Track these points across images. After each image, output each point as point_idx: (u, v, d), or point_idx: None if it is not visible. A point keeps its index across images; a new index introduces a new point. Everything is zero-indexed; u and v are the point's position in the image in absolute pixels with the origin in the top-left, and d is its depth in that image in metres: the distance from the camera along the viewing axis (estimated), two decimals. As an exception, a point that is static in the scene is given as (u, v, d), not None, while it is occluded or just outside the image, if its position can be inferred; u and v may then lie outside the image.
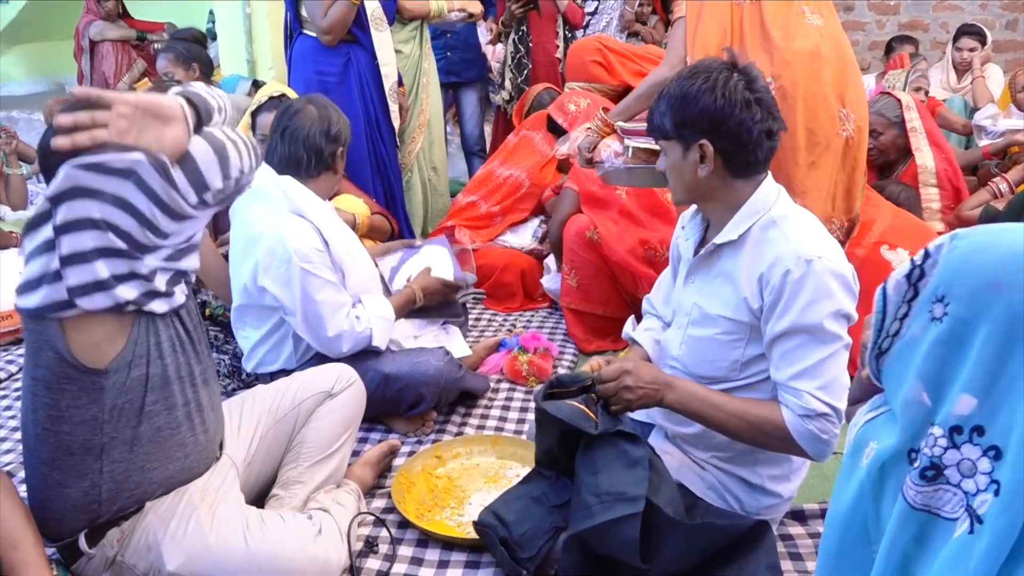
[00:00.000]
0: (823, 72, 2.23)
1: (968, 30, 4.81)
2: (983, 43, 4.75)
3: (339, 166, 2.20)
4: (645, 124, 1.62)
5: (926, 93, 4.07)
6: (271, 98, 2.79)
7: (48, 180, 1.27)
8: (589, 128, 2.55)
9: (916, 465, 0.79)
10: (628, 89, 3.25)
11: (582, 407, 1.47)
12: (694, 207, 1.65)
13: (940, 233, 2.62)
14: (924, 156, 3.14)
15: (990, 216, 2.79)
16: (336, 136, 2.14)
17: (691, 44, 2.24)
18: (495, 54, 4.83)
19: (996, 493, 0.72)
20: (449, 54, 4.41)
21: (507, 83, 4.66)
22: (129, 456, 1.39)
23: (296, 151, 2.11)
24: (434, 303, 2.42)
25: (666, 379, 1.52)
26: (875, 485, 0.84)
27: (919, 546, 0.79)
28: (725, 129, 1.45)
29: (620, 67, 3.47)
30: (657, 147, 1.61)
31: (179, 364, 1.43)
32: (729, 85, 1.45)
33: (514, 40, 4.59)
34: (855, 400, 1.21)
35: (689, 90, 1.46)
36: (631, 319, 1.90)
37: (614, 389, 1.47)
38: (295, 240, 2.01)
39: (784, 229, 1.47)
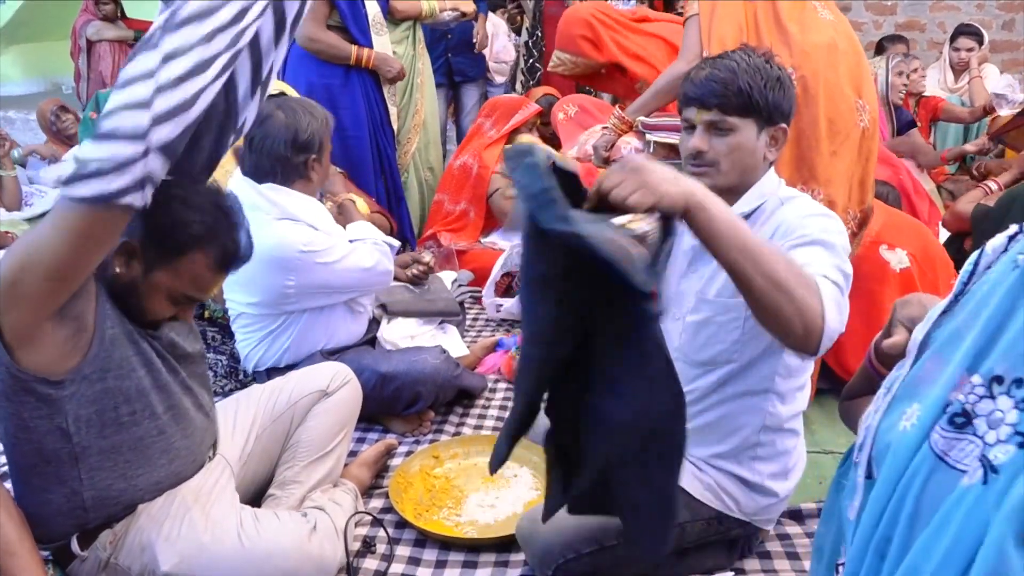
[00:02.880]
0: (840, 64, 2.28)
1: (965, 30, 4.82)
2: (980, 43, 4.76)
3: (313, 175, 2.11)
4: (667, 119, 1.61)
5: (908, 76, 4.08)
6: (269, 96, 2.77)
7: None
8: (606, 128, 2.54)
9: (948, 411, 0.78)
10: (615, 65, 3.19)
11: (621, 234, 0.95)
12: None
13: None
14: None
15: (980, 213, 2.89)
16: (305, 144, 2.04)
17: (707, 41, 2.28)
18: (493, 54, 4.83)
19: (1021, 446, 0.71)
20: (450, 55, 4.42)
21: (518, 86, 4.68)
22: (109, 464, 1.38)
23: (262, 162, 2.04)
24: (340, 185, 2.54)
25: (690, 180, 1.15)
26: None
27: (923, 491, 0.78)
28: (792, 113, 1.53)
29: (611, 43, 3.33)
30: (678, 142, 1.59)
31: (154, 375, 1.41)
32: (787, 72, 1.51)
33: (527, 44, 4.60)
34: (854, 394, 1.20)
35: (780, 76, 1.49)
36: None
37: (620, 178, 1.08)
38: (295, 241, 2.00)
39: (793, 205, 1.52)
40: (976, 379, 0.77)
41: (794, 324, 1.17)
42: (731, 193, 1.53)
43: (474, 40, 4.42)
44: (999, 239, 0.84)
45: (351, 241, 2.19)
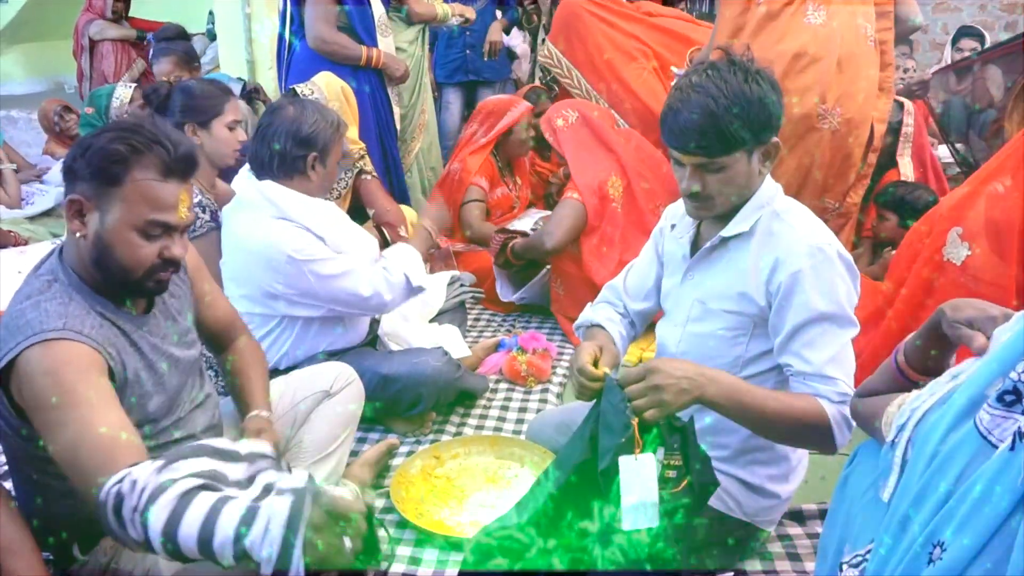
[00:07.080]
0: (807, 71, 2.43)
1: (968, 32, 4.85)
2: (983, 45, 4.77)
3: (313, 174, 2.06)
4: None
5: (905, 71, 4.23)
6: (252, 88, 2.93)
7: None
8: None
9: (997, 388, 0.78)
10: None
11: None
12: (680, 204, 1.64)
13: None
14: (905, 164, 3.14)
15: None
16: (307, 140, 2.02)
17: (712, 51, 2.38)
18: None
19: None
20: (468, 52, 4.33)
21: (525, 79, 4.70)
22: None
23: (262, 151, 2.04)
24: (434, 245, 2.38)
25: (701, 369, 1.35)
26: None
27: (962, 473, 0.79)
28: (782, 117, 1.47)
29: (599, 36, 3.34)
30: None
31: (157, 377, 1.39)
32: (773, 77, 1.46)
33: (536, 38, 4.61)
34: (872, 391, 1.19)
35: (762, 94, 1.41)
36: (588, 306, 1.79)
37: (643, 391, 1.28)
38: (286, 244, 1.97)
39: (788, 220, 1.49)
40: None
41: (811, 448, 1.54)
42: (729, 213, 1.53)
43: (484, 49, 4.36)
44: None
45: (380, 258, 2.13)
